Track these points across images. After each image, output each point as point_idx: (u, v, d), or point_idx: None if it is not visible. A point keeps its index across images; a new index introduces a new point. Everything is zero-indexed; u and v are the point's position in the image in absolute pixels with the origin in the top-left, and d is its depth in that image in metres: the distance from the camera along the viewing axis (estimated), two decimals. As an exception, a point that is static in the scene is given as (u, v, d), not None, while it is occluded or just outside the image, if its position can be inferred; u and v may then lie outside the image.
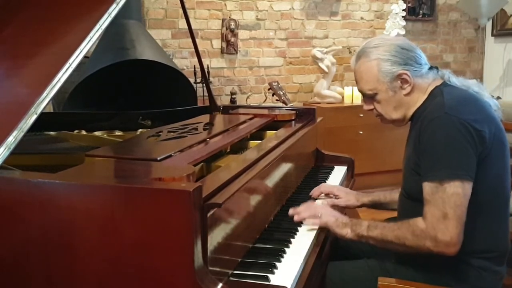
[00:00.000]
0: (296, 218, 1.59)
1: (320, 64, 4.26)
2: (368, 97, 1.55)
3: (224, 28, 4.22)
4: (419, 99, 1.50)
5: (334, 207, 1.82)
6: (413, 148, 1.44)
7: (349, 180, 2.33)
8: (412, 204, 1.48)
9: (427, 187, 1.34)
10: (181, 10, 2.83)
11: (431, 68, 1.53)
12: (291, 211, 1.61)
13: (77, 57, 1.33)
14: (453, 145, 1.32)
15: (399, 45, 1.49)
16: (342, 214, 1.65)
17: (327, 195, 1.91)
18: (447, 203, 1.30)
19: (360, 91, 1.58)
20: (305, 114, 2.42)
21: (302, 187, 2.04)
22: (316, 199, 1.88)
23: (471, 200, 1.32)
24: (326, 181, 2.15)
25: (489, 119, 1.38)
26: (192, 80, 3.69)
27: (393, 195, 1.81)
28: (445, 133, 1.34)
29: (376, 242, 1.44)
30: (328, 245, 1.63)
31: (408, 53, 1.48)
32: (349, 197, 1.87)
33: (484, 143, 1.34)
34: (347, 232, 1.49)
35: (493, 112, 1.43)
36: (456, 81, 1.51)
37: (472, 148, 1.32)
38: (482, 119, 1.36)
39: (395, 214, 1.76)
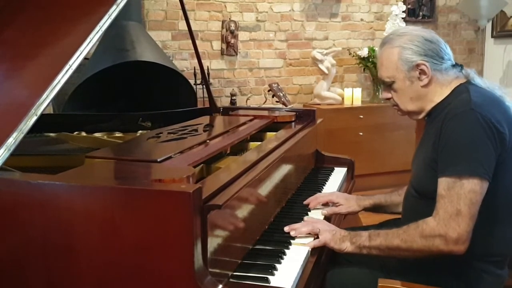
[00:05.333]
0: (293, 233, 1.50)
1: (320, 66, 4.26)
2: (387, 85, 1.54)
3: (224, 30, 4.23)
4: (437, 93, 1.48)
5: (335, 215, 1.79)
6: (432, 143, 1.40)
7: (349, 182, 2.33)
8: (423, 203, 1.46)
9: (444, 182, 1.32)
10: (181, 12, 2.83)
11: (455, 65, 1.50)
12: (286, 228, 1.53)
13: (77, 58, 1.33)
14: (477, 142, 1.31)
15: (424, 36, 1.47)
16: (342, 220, 1.60)
17: (325, 204, 1.83)
18: (463, 200, 1.28)
19: (379, 78, 1.57)
20: (305, 116, 2.41)
21: (302, 188, 2.04)
22: (310, 209, 1.78)
23: (482, 203, 1.30)
24: (326, 182, 2.15)
25: (510, 124, 1.37)
26: (192, 81, 3.70)
27: (393, 198, 1.79)
28: (469, 129, 1.32)
29: (380, 251, 1.40)
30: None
31: (431, 45, 1.46)
32: (350, 203, 1.80)
33: (504, 146, 1.33)
34: (346, 246, 1.44)
35: None
36: (481, 82, 1.48)
37: (494, 149, 1.31)
38: (504, 121, 1.34)
39: (395, 216, 1.76)
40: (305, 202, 1.82)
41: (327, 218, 1.73)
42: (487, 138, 1.30)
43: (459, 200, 1.28)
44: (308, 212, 1.76)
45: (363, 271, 1.53)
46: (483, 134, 1.30)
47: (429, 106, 1.50)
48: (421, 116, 1.54)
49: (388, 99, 1.56)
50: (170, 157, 1.43)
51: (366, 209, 1.83)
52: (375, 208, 1.83)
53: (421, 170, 1.48)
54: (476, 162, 1.29)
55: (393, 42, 1.49)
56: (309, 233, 1.51)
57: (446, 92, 1.47)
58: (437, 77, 1.47)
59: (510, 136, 1.34)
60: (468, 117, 1.33)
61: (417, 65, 1.45)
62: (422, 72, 1.46)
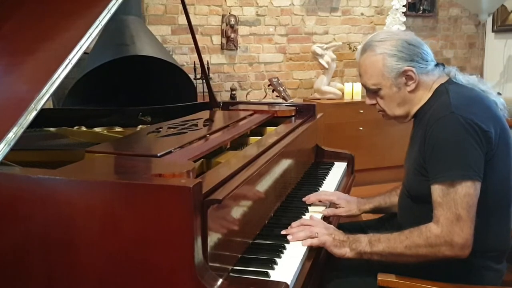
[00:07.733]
0: (290, 238, 1.45)
1: (320, 60, 4.25)
2: (371, 92, 1.52)
3: (224, 24, 4.22)
4: (423, 96, 1.47)
5: (335, 217, 1.77)
6: (418, 148, 1.40)
7: (349, 176, 2.33)
8: (412, 204, 1.47)
9: (438, 190, 1.31)
10: (181, 6, 2.82)
11: (437, 65, 1.50)
12: (284, 232, 1.48)
13: (77, 53, 1.33)
14: (462, 144, 1.30)
15: (406, 40, 1.45)
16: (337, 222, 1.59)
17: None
18: (460, 204, 1.27)
19: (363, 85, 1.54)
20: (305, 110, 2.41)
21: (302, 183, 2.04)
22: (310, 205, 1.77)
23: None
24: (326, 177, 2.16)
25: (495, 119, 1.36)
26: (192, 76, 3.69)
27: (392, 198, 1.77)
28: (452, 133, 1.31)
29: (382, 257, 1.37)
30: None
31: (415, 49, 1.45)
32: (350, 206, 1.79)
33: (490, 144, 1.32)
34: (345, 251, 1.40)
35: (499, 111, 1.41)
36: (462, 78, 1.47)
37: (481, 148, 1.30)
38: (488, 119, 1.33)
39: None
40: (304, 199, 1.80)
41: (326, 218, 1.71)
42: (472, 139, 1.30)
43: (456, 205, 1.28)
44: (308, 207, 1.76)
45: (360, 261, 1.48)
46: (467, 135, 1.30)
47: (415, 109, 1.50)
48: (407, 120, 1.54)
49: (373, 104, 1.55)
50: (170, 152, 1.43)
51: (366, 212, 1.82)
52: (376, 211, 1.82)
53: (411, 173, 1.48)
54: (466, 165, 1.29)
55: (375, 49, 1.46)
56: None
57: (429, 93, 1.47)
58: (423, 80, 1.46)
59: (496, 133, 1.33)
60: (450, 121, 1.32)
61: (404, 72, 1.44)
62: (409, 78, 1.45)
